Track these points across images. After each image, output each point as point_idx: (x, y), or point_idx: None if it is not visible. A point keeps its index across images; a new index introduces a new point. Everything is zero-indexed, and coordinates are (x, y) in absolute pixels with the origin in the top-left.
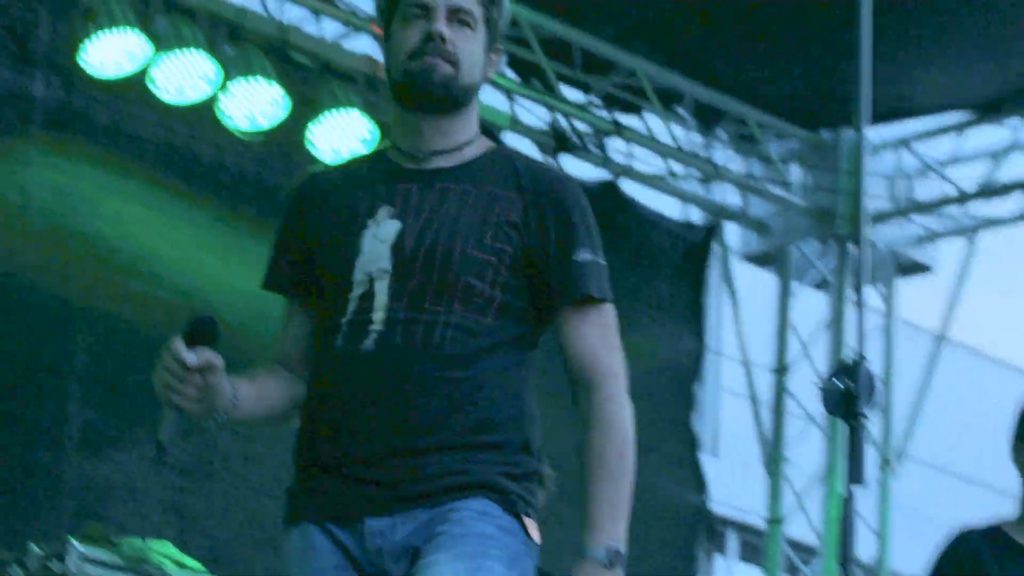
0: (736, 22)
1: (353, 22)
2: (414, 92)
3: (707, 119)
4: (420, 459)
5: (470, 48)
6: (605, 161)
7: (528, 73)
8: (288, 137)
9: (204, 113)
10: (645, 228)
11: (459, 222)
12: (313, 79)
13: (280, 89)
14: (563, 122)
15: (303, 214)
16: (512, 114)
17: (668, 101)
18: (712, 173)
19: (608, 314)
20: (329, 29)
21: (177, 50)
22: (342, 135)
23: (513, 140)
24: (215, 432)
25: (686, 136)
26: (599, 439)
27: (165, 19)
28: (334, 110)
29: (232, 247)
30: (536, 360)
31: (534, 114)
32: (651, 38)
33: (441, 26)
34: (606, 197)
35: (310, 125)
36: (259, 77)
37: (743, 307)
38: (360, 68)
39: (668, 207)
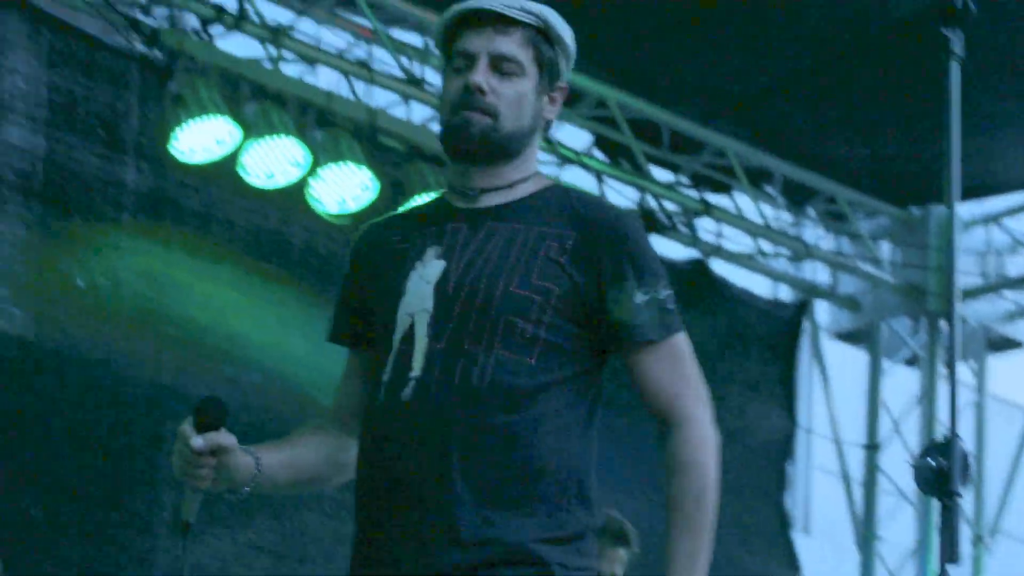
0: (824, 99)
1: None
2: (454, 146)
3: (797, 197)
4: (455, 519)
5: (515, 95)
6: (695, 240)
7: (617, 154)
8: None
9: (294, 197)
10: (735, 306)
11: (505, 260)
12: (402, 162)
13: (369, 172)
14: (652, 202)
15: (361, 266)
16: (601, 195)
17: (757, 179)
18: (802, 251)
19: (678, 346)
20: (417, 112)
21: (267, 136)
22: None
23: None
24: (305, 514)
25: (775, 214)
26: (676, 485)
27: (254, 105)
28: (423, 193)
29: (321, 330)
30: (598, 403)
31: (623, 195)
32: (739, 117)
33: (478, 77)
34: (696, 276)
35: (399, 208)
36: (348, 161)
37: (834, 384)
38: None
39: (758, 285)
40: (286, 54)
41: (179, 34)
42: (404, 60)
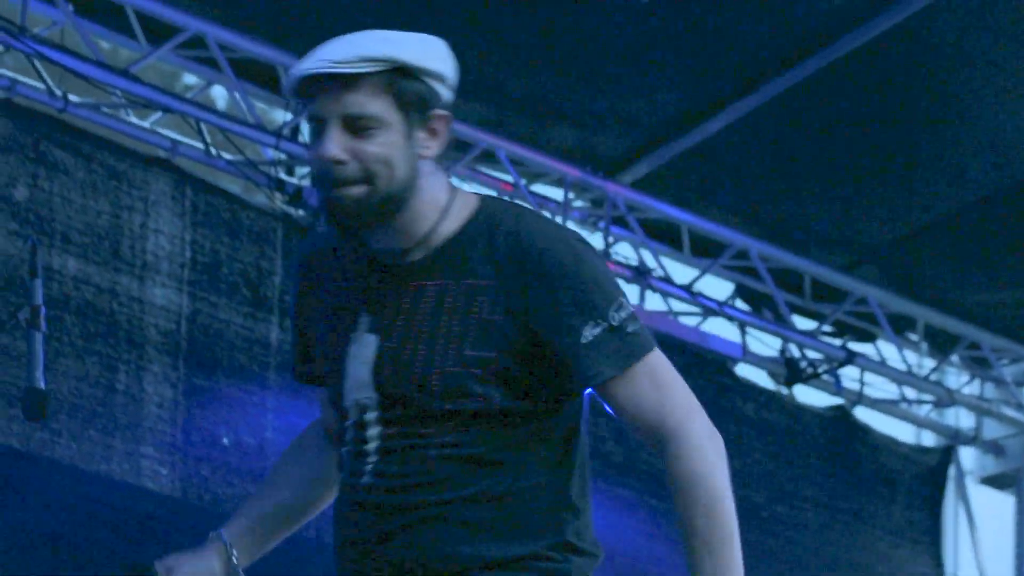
0: (965, 246)
1: None
2: (337, 225)
3: (940, 344)
4: None
5: (380, 152)
6: (838, 389)
7: (759, 303)
8: None
9: None
10: (879, 453)
11: (435, 331)
12: None
13: None
14: (795, 351)
15: (305, 304)
16: (744, 344)
17: (900, 327)
18: (946, 397)
19: (648, 365)
20: None
21: None
22: None
23: (746, 370)
24: None
25: (918, 360)
26: (681, 504)
27: None
28: None
29: None
30: (575, 436)
31: (766, 344)
32: (881, 264)
33: (332, 148)
34: (840, 424)
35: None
36: None
37: (981, 530)
38: None
39: (902, 431)
40: None
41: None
42: (546, 214)
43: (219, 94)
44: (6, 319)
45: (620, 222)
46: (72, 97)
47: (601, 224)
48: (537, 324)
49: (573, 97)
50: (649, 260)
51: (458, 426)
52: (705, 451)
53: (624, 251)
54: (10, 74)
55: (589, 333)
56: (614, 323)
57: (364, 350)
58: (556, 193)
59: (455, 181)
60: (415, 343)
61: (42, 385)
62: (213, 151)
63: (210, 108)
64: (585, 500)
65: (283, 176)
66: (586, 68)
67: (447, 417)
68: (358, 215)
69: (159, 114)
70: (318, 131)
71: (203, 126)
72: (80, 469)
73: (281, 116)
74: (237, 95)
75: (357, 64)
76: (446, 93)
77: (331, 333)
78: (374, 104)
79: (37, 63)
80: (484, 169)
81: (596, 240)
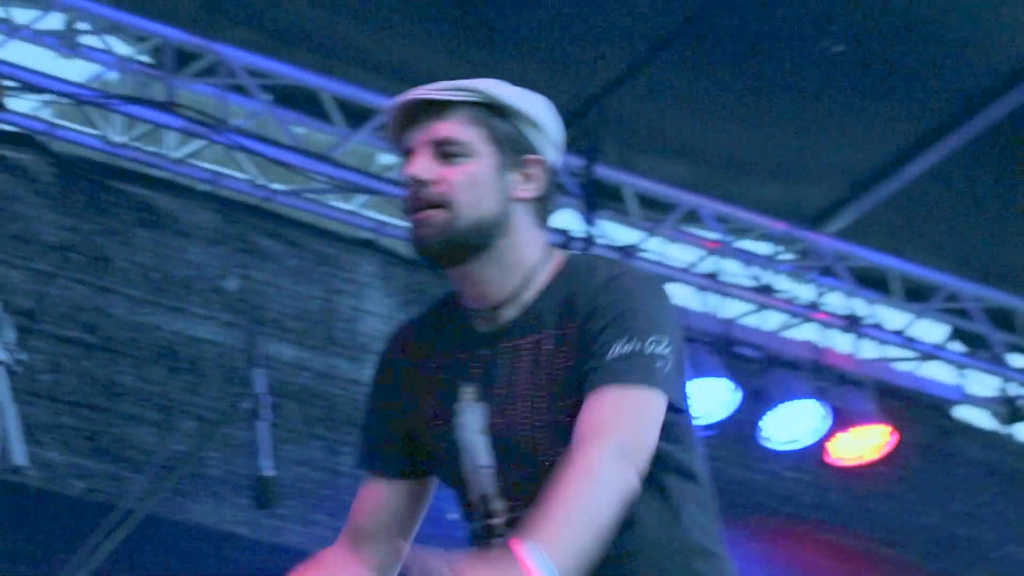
0: None
1: (795, 312)
2: (418, 252)
3: None
4: None
5: (467, 178)
6: None
7: (975, 344)
8: (739, 429)
9: None
10: None
11: (534, 392)
12: (760, 370)
13: (729, 383)
14: (1014, 390)
15: (394, 389)
16: (961, 385)
17: None
18: None
19: (636, 394)
20: (771, 320)
21: None
22: (795, 425)
23: (965, 412)
24: None
25: None
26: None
27: None
28: (785, 402)
29: None
30: (685, 467)
31: (984, 384)
32: None
33: (416, 167)
34: None
35: (762, 418)
36: (709, 375)
37: None
38: (804, 356)
39: None
40: None
41: None
42: (754, 269)
43: None
44: (228, 409)
45: (829, 272)
46: (275, 185)
47: (810, 276)
48: (587, 350)
49: (774, 151)
50: (860, 308)
51: None
52: (594, 466)
53: (835, 301)
54: (213, 167)
55: (619, 349)
56: (647, 351)
57: (473, 419)
58: (763, 248)
59: (658, 241)
60: (519, 403)
61: (270, 473)
62: None
63: None
64: (711, 533)
65: None
66: (785, 121)
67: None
68: (441, 242)
69: (363, 196)
70: (405, 161)
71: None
72: (309, 554)
73: None
74: None
75: (451, 92)
76: (544, 144)
77: (433, 409)
78: (464, 131)
79: (239, 154)
80: (689, 228)
81: (807, 292)
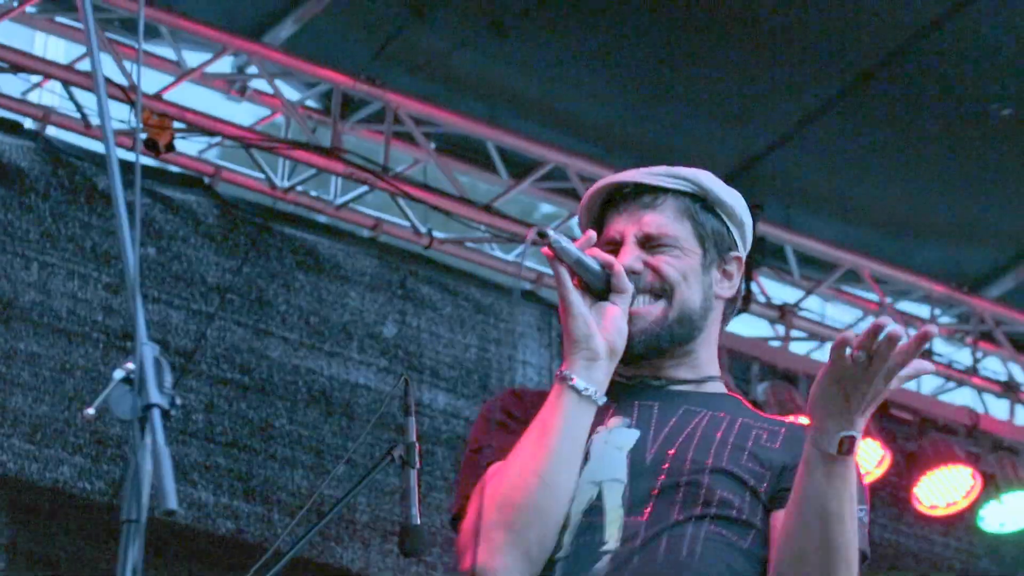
0: None
1: (952, 376)
2: (635, 354)
3: None
4: None
5: (678, 267)
6: None
7: None
8: (892, 492)
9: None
10: None
11: (711, 439)
12: (914, 434)
13: (880, 446)
14: None
15: (508, 427)
16: None
17: None
18: None
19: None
20: (928, 384)
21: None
22: (948, 490)
23: None
24: None
25: None
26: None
27: (766, 384)
28: (937, 467)
29: None
30: None
31: None
32: None
33: (629, 260)
34: None
35: (914, 482)
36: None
37: None
38: (960, 420)
39: None
40: (794, 332)
41: None
42: (913, 331)
43: (576, 223)
44: (379, 456)
45: (987, 337)
46: (436, 233)
47: (967, 340)
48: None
49: (937, 213)
50: (1018, 374)
51: (717, 525)
52: None
53: (992, 366)
54: (375, 213)
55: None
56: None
57: (619, 437)
58: (922, 310)
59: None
60: (687, 442)
61: (418, 522)
62: None
63: (572, 238)
64: None
65: None
66: (950, 183)
67: (711, 510)
68: (656, 337)
69: (523, 247)
70: (611, 252)
71: None
72: None
73: None
74: None
75: (665, 178)
76: (743, 241)
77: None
78: (674, 226)
79: (401, 201)
80: (848, 288)
81: (963, 356)
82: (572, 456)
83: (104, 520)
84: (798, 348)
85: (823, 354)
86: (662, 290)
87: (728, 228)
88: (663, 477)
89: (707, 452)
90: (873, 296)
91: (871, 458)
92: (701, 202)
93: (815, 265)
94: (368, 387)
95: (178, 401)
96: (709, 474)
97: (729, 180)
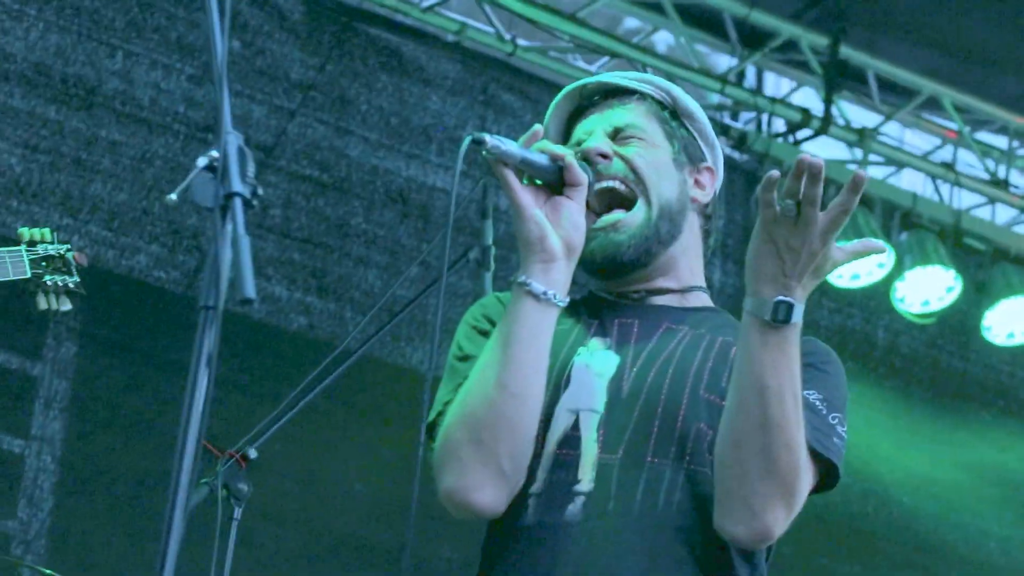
0: None
1: None
2: (604, 262)
3: None
4: None
5: (648, 157)
6: None
7: None
8: (962, 321)
9: (877, 298)
10: None
11: (689, 361)
12: (986, 264)
13: (954, 274)
14: None
15: (489, 335)
16: None
17: None
18: None
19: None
20: (1002, 214)
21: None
22: (1018, 321)
23: None
24: None
25: None
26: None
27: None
28: (1008, 297)
29: (904, 429)
30: None
31: None
32: None
33: (599, 143)
34: None
35: (985, 311)
36: (933, 263)
37: None
38: None
39: None
40: (872, 156)
41: (767, 138)
42: (989, 162)
43: (658, 39)
44: (455, 258)
45: None
46: (520, 41)
47: None
48: None
49: (1021, 46)
50: None
51: (693, 462)
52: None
53: None
54: (460, 18)
55: (810, 398)
56: (831, 422)
57: (600, 363)
58: (1000, 141)
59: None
60: (665, 367)
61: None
62: None
63: (654, 52)
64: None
65: (728, 121)
66: None
67: (686, 447)
68: (645, 239)
69: (605, 59)
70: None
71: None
72: None
73: (726, 62)
74: (683, 40)
75: (634, 82)
76: (711, 160)
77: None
78: (643, 121)
79: (487, 7)
80: (928, 116)
81: None
82: (537, 363)
83: (177, 310)
84: (876, 172)
85: (899, 180)
86: (636, 182)
87: (697, 142)
88: (639, 410)
89: (684, 381)
90: (952, 124)
91: (941, 284)
92: (670, 111)
93: (896, 91)
94: (446, 190)
95: (260, 191)
96: (686, 405)
97: (815, 3)
